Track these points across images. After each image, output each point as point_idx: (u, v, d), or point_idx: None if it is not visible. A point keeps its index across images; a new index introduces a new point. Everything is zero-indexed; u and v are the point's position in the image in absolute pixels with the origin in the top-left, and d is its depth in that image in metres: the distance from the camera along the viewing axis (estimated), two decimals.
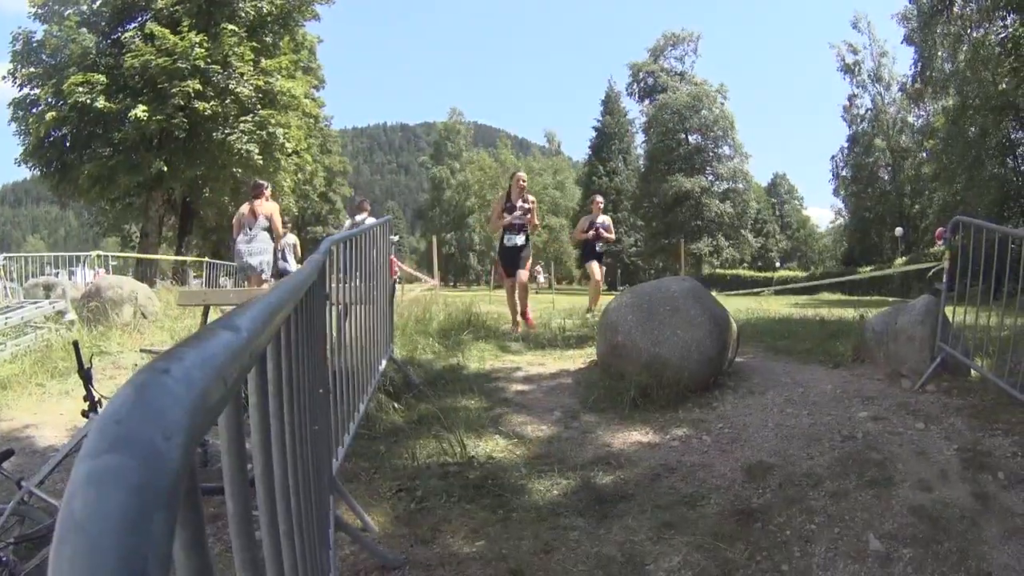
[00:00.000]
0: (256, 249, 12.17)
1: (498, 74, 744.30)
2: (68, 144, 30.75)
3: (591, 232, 13.63)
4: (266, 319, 1.48)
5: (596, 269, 13.66)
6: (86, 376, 4.51)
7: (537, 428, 6.42)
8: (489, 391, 7.51)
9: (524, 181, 11.68)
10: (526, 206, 11.36)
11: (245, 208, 12.55)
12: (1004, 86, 33.82)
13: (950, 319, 7.11)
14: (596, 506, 4.76)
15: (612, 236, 14.19)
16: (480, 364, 8.74)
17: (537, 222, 11.63)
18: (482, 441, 5.97)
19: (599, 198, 14.47)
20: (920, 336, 7.12)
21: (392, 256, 9.19)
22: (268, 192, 12.83)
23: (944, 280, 7.29)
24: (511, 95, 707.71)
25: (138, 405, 0.69)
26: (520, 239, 11.31)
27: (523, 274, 11.34)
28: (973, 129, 39.26)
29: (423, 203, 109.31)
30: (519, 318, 11.55)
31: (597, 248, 13.77)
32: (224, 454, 1.39)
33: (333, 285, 4.20)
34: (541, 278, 61.60)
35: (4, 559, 3.71)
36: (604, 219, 14.01)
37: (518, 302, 11.50)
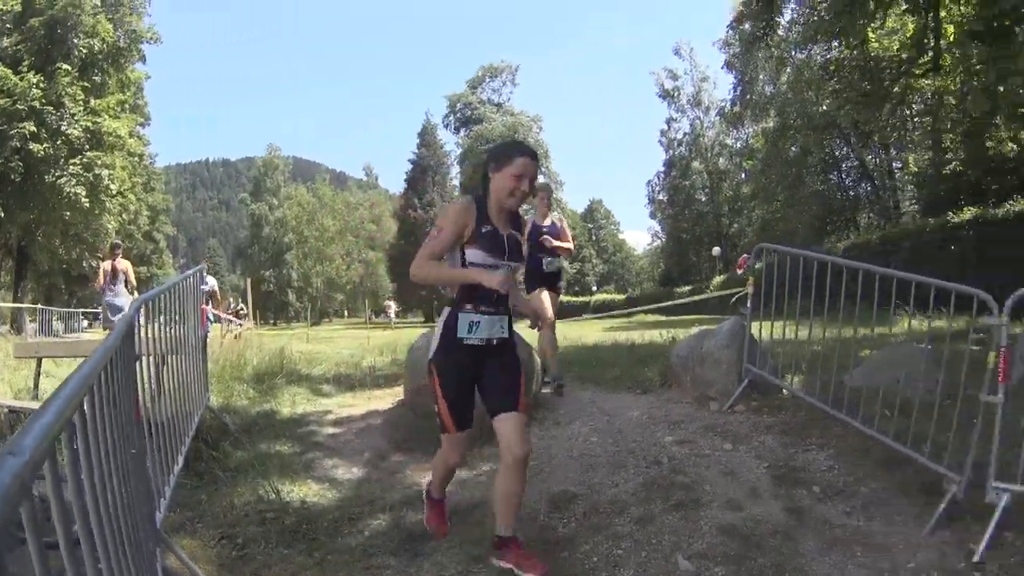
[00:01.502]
0: (122, 302, 13.98)
1: (319, 108, 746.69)
2: None
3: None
4: (48, 430, 1.79)
5: (546, 302, 8.72)
6: None
7: (348, 470, 6.61)
8: (302, 436, 7.68)
9: (537, 175, 4.67)
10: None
11: (107, 265, 14.79)
12: (824, 107, 35.81)
13: (757, 340, 7.56)
14: (407, 545, 4.92)
15: (567, 245, 9.24)
16: (293, 408, 8.92)
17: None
18: (296, 486, 6.10)
19: (542, 191, 9.37)
20: (727, 359, 7.58)
21: (204, 304, 9.14)
22: (120, 251, 15.28)
23: (748, 304, 7.75)
24: (331, 129, 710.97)
25: None
26: (502, 324, 4.54)
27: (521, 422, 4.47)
28: (794, 148, 41.88)
29: (243, 240, 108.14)
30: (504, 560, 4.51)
31: (544, 267, 8.91)
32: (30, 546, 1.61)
33: (146, 339, 4.43)
34: (391, 312, 62.91)
35: None
36: (553, 220, 9.22)
37: (503, 502, 4.46)
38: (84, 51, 32.40)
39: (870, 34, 22.87)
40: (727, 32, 51.99)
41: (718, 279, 45.92)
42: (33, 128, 29.61)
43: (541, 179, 9.42)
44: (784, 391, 7.43)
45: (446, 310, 4.47)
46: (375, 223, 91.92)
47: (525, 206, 5.60)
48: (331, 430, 8.02)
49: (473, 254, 4.36)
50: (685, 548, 4.61)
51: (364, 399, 9.46)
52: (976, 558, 4.43)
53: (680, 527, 4.86)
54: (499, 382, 4.44)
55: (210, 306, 17.74)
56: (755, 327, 7.73)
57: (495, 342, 4.44)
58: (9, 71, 29.68)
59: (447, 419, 4.49)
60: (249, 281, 29.69)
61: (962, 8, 18.68)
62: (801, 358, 7.27)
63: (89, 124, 31.95)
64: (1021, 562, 4.38)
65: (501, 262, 4.39)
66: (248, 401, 8.95)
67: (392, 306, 66.97)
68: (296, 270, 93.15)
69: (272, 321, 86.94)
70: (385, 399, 9.23)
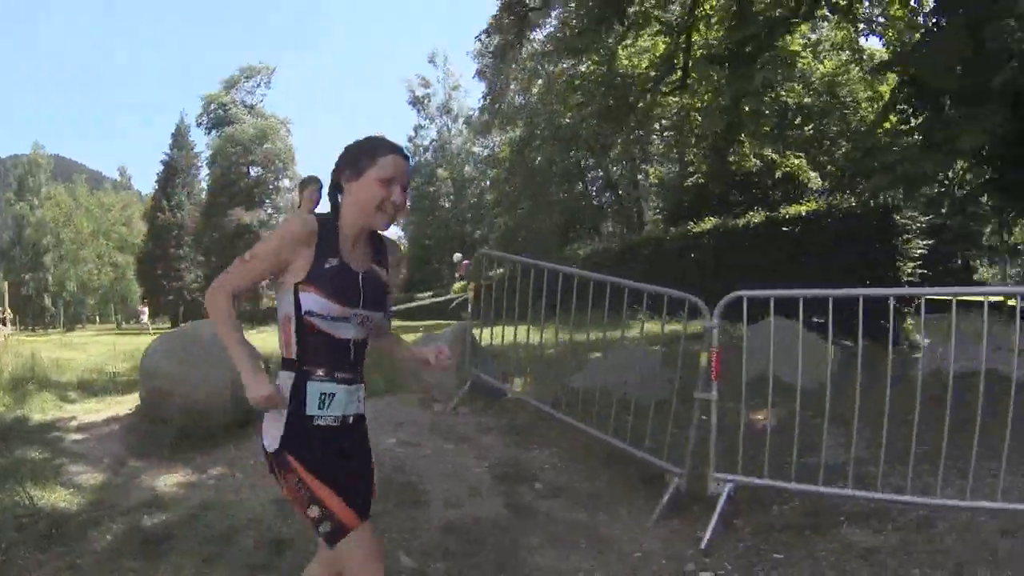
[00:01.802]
0: None
1: (81, 104, 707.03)
2: None
3: None
4: None
5: None
6: None
7: (91, 476, 6.58)
8: (51, 441, 7.62)
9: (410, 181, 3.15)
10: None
11: None
12: (568, 120, 36.99)
13: (480, 343, 7.88)
14: (146, 547, 5.02)
15: None
16: (43, 415, 8.83)
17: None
18: (46, 492, 6.07)
19: (311, 184, 7.96)
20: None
21: None
22: None
23: (469, 309, 8.07)
24: (91, 127, 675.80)
25: None
26: (359, 395, 3.19)
27: None
28: (539, 158, 42.98)
29: (6, 242, 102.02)
30: None
31: None
32: None
33: None
34: (144, 318, 60.75)
35: None
36: None
37: None
38: None
39: (620, 52, 23.92)
40: (477, 42, 53.20)
41: (458, 285, 46.59)
42: None
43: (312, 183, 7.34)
44: (508, 393, 7.75)
45: (284, 376, 2.98)
46: (126, 225, 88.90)
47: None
48: (76, 436, 7.96)
49: (311, 301, 2.89)
50: (407, 546, 4.89)
51: (106, 405, 9.46)
52: (703, 545, 4.87)
53: (401, 525, 5.16)
54: (356, 482, 3.08)
55: None
56: (488, 332, 8.05)
57: (351, 420, 3.09)
58: None
59: (342, 512, 2.93)
60: (7, 286, 28.40)
61: (714, 32, 19.82)
62: (527, 362, 7.60)
63: None
64: (749, 547, 4.94)
65: (353, 312, 2.96)
66: (3, 408, 8.91)
67: (146, 311, 64.82)
68: (51, 273, 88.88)
69: (31, 327, 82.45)
70: (124, 404, 9.23)
